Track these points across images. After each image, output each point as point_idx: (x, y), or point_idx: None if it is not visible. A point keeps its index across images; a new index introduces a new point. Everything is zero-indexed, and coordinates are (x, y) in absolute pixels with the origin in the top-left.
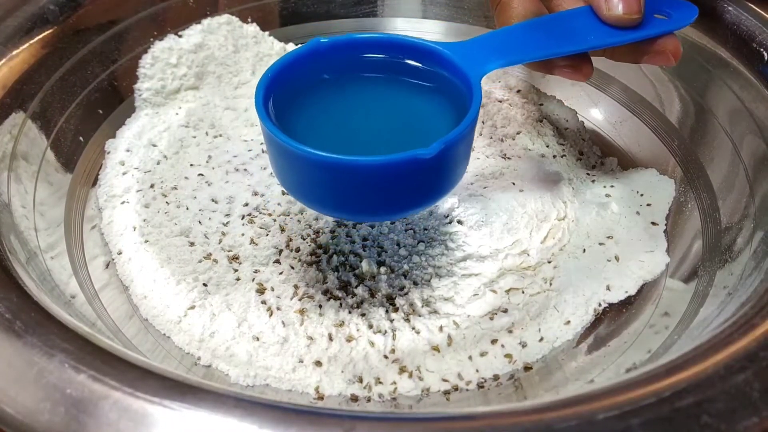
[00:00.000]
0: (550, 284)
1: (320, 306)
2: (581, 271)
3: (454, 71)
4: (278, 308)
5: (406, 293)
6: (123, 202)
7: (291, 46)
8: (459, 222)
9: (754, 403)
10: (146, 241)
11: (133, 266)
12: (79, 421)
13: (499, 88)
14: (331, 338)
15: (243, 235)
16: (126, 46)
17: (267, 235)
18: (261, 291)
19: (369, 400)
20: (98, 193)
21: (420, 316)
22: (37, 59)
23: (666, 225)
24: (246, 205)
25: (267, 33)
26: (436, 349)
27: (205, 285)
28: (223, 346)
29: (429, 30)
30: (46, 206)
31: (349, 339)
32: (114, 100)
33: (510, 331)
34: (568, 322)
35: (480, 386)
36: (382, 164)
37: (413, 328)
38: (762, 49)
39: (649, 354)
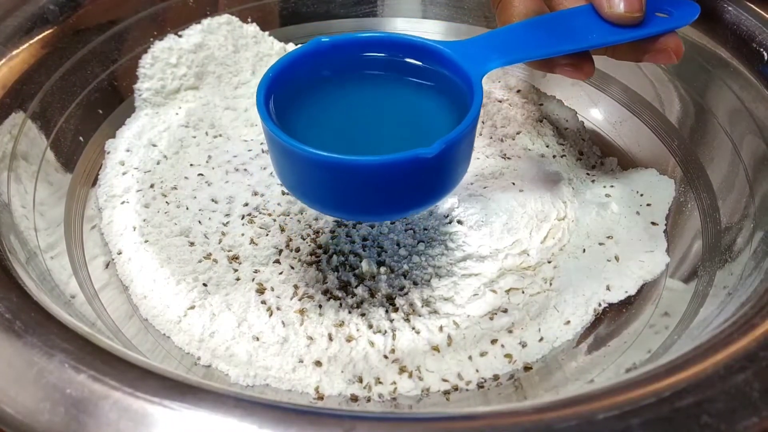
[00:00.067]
0: (550, 284)
1: (320, 306)
2: (581, 271)
3: (455, 70)
4: (278, 308)
5: (406, 293)
6: (123, 202)
7: (291, 46)
8: (459, 222)
9: (754, 403)
10: (146, 241)
11: (133, 266)
12: (79, 421)
13: (499, 88)
14: (331, 338)
15: (243, 235)
16: (126, 46)
17: (267, 235)
18: (261, 291)
19: (369, 400)
20: (98, 193)
21: (420, 316)
22: (37, 59)
23: (666, 225)
24: (246, 205)
25: (267, 33)
26: (436, 349)
27: (205, 285)
28: (223, 346)
29: (429, 30)
30: (46, 206)
31: (349, 339)
32: (114, 100)
33: (510, 331)
34: (568, 322)
35: (480, 386)
36: (383, 164)
37: (413, 328)
38: (762, 49)
39: (649, 354)
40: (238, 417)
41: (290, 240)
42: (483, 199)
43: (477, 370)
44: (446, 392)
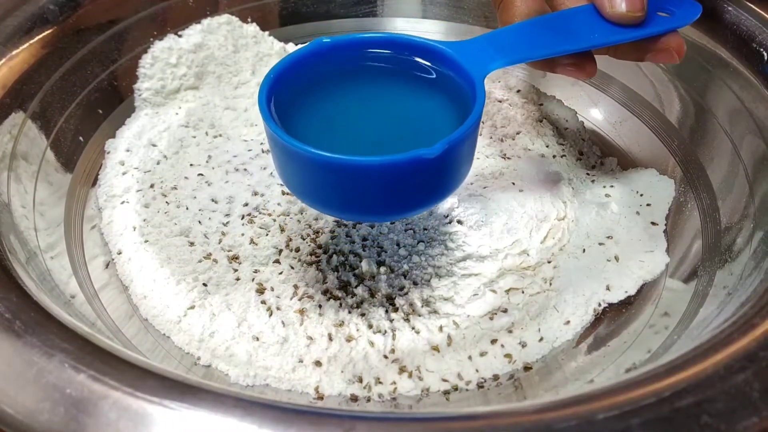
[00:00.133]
0: (550, 284)
1: (320, 306)
2: (581, 271)
3: (457, 70)
4: (278, 308)
5: (406, 293)
6: (123, 202)
7: (291, 46)
8: (459, 222)
9: (754, 403)
10: (146, 241)
11: (132, 266)
12: (78, 421)
13: (499, 88)
14: (330, 338)
15: (243, 235)
16: (126, 46)
17: (267, 235)
18: (261, 291)
19: (369, 400)
20: (98, 193)
21: (420, 316)
22: (37, 59)
23: (666, 225)
24: (246, 205)
25: (267, 33)
26: (435, 349)
27: (204, 285)
28: (223, 346)
29: (429, 30)
30: (46, 206)
31: (349, 339)
32: (114, 100)
33: (510, 331)
34: (568, 322)
35: (480, 386)
36: (385, 164)
37: (413, 328)
38: (762, 49)
39: (649, 354)
40: (238, 417)
41: (290, 240)
42: (483, 199)
43: (477, 370)
44: (446, 392)
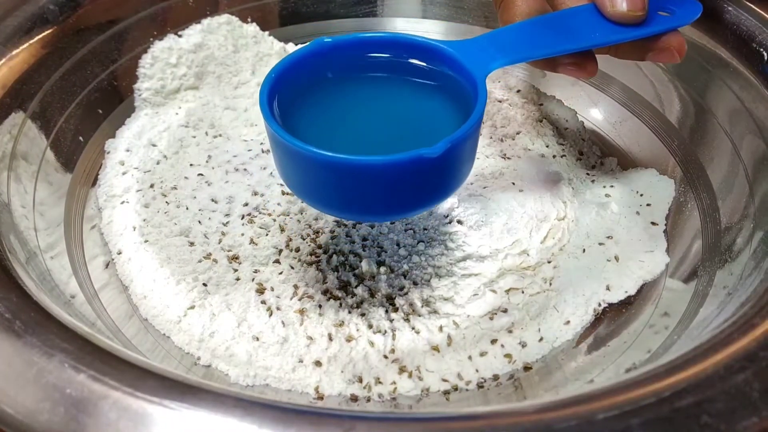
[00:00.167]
0: (550, 284)
1: (320, 306)
2: (581, 271)
3: (459, 70)
4: (278, 308)
5: (406, 293)
6: (123, 202)
7: (291, 46)
8: (459, 222)
9: (754, 403)
10: (146, 241)
11: (132, 266)
12: (78, 421)
13: (499, 88)
14: (330, 338)
15: (243, 235)
16: (126, 46)
17: (267, 235)
18: (261, 291)
19: (369, 400)
20: (98, 193)
21: (420, 316)
22: (37, 59)
23: (666, 225)
24: (246, 205)
25: (267, 33)
26: (435, 349)
27: (204, 285)
28: (223, 346)
29: (429, 30)
30: (45, 206)
31: (349, 339)
32: (114, 100)
33: (510, 331)
34: (568, 322)
35: (480, 386)
36: (387, 163)
37: (413, 328)
38: (762, 49)
39: (648, 354)
40: (238, 417)
41: (290, 240)
42: (483, 199)
43: (477, 370)
44: (446, 392)
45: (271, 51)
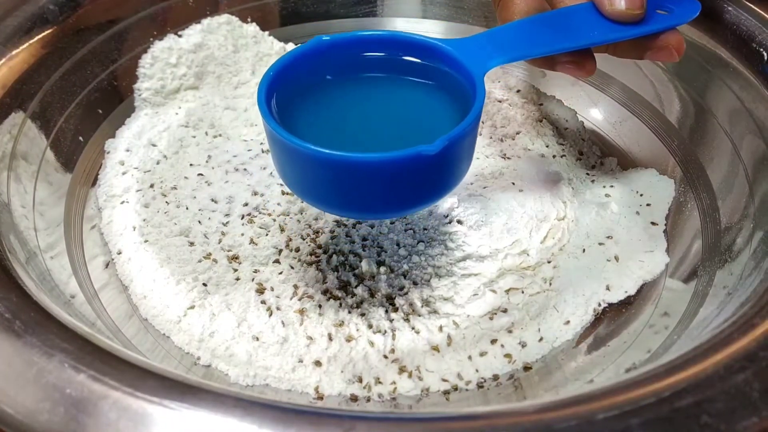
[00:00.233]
0: (550, 284)
1: (320, 306)
2: (581, 271)
3: (457, 68)
4: (278, 308)
5: (406, 293)
6: (123, 202)
7: (291, 46)
8: (459, 222)
9: (754, 403)
10: (146, 241)
11: (132, 266)
12: (78, 421)
13: (498, 87)
14: (330, 338)
15: (243, 234)
16: (126, 46)
17: (267, 234)
18: (261, 291)
19: (369, 400)
20: (98, 193)
21: (420, 316)
22: (37, 59)
23: (666, 225)
24: (246, 204)
25: (267, 33)
26: (435, 349)
27: (204, 285)
28: (223, 346)
29: (429, 30)
30: (45, 206)
31: (349, 339)
32: (114, 100)
33: (510, 331)
34: (568, 322)
35: (480, 386)
36: (385, 161)
37: (413, 328)
38: (762, 49)
39: (648, 354)
40: (238, 417)
41: (290, 240)
42: (483, 199)
43: (477, 370)
44: (446, 392)
45: (271, 51)
